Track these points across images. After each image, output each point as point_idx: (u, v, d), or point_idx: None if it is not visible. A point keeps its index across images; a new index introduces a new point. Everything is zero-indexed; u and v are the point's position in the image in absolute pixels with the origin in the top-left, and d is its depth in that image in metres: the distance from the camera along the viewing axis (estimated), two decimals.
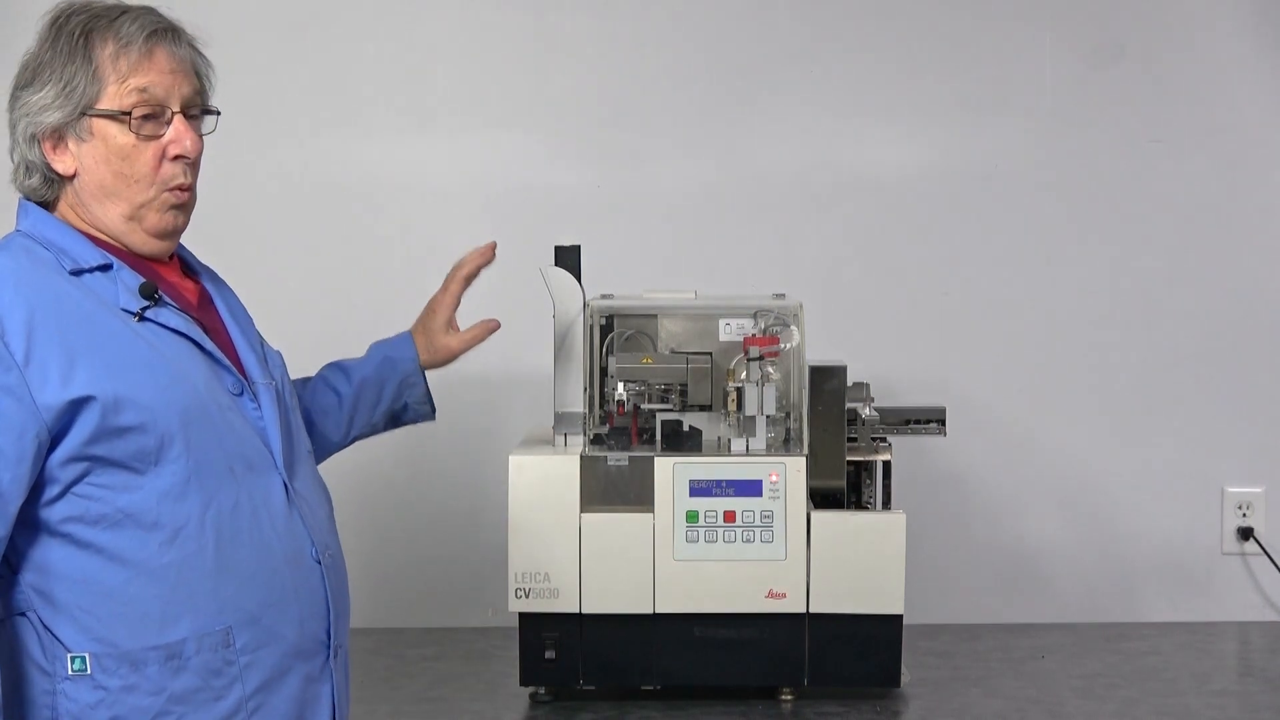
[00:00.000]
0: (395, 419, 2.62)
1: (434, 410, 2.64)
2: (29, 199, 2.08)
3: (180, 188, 2.06)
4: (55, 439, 1.93)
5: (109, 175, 2.04)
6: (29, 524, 1.96)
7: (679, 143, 3.66)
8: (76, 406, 1.92)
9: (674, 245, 3.64)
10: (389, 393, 2.58)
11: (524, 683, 2.95)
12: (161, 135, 2.04)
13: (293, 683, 2.05)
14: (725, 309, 3.06)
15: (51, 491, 1.95)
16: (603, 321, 3.10)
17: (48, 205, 2.08)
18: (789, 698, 2.95)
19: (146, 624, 1.96)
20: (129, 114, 2.02)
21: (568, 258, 2.99)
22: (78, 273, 2.02)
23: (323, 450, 2.51)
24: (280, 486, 2.07)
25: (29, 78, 2.04)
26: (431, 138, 3.66)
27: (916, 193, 3.66)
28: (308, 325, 3.52)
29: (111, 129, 2.03)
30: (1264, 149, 3.67)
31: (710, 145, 3.66)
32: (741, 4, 3.66)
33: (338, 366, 2.59)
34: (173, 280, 2.12)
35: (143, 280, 2.03)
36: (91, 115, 2.02)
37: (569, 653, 2.91)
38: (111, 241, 2.07)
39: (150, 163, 2.04)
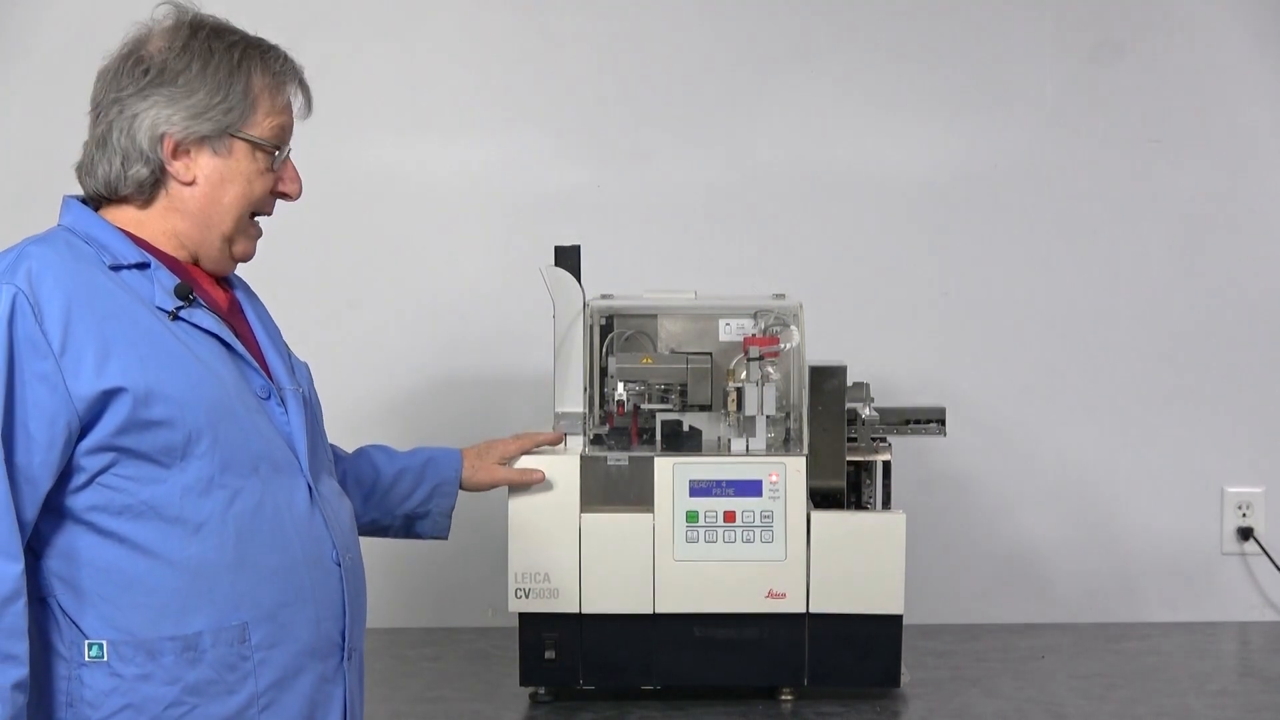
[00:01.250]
0: (410, 524, 2.71)
1: (448, 530, 2.74)
2: (117, 190, 2.09)
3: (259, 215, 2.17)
4: (85, 428, 1.96)
5: (227, 194, 2.11)
6: (54, 510, 1.99)
7: (679, 143, 3.66)
8: (108, 397, 1.95)
9: (674, 245, 3.64)
10: (421, 493, 2.69)
11: (524, 683, 2.95)
12: (276, 170, 2.14)
13: (306, 682, 2.07)
14: (725, 309, 3.06)
15: (78, 480, 1.98)
16: (603, 321, 3.10)
17: (109, 201, 2.11)
18: (789, 698, 2.95)
19: (165, 615, 1.99)
20: (277, 148, 2.12)
21: (568, 258, 2.99)
22: (116, 268, 2.05)
23: None
24: (304, 489, 2.10)
25: (166, 78, 2.06)
26: (432, 138, 3.66)
27: (916, 192, 3.66)
28: (307, 325, 3.53)
29: (246, 151, 2.10)
30: (1264, 149, 3.67)
31: (710, 145, 3.66)
32: (741, 4, 3.66)
33: (382, 449, 2.69)
34: (205, 286, 2.15)
35: (178, 281, 2.07)
36: (235, 136, 2.09)
37: (569, 653, 2.91)
38: (156, 246, 2.10)
39: (264, 192, 2.13)
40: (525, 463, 2.87)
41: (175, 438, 1.98)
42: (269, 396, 2.10)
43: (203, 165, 2.09)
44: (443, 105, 3.65)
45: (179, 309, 2.04)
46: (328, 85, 3.56)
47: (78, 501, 1.99)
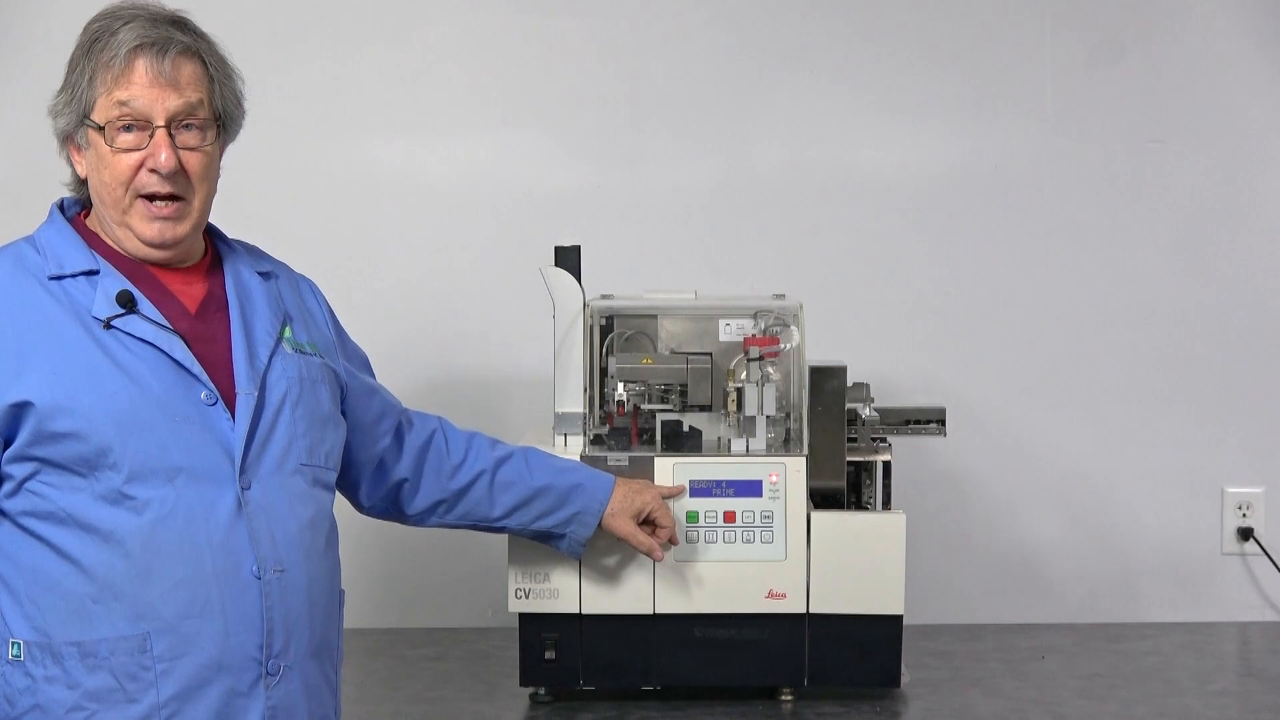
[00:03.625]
0: (545, 537, 2.73)
1: (582, 552, 2.75)
2: (73, 197, 2.20)
3: (154, 196, 2.11)
4: (8, 440, 2.02)
5: (98, 182, 2.12)
6: None
7: (679, 143, 3.66)
8: (18, 410, 2.01)
9: (674, 245, 3.64)
10: (560, 516, 2.69)
11: (524, 683, 2.95)
12: (143, 148, 2.10)
13: (213, 695, 2.05)
14: (725, 309, 3.06)
15: (8, 486, 2.05)
16: (603, 321, 3.10)
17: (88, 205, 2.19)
18: (789, 698, 2.95)
19: (73, 619, 2.03)
20: (103, 128, 2.09)
21: (568, 258, 2.99)
22: (58, 278, 2.08)
23: (440, 512, 2.61)
24: (230, 499, 2.07)
25: (62, 80, 2.14)
26: (432, 138, 3.66)
27: (916, 193, 3.66)
28: None
29: (98, 139, 2.10)
30: (1264, 149, 3.67)
31: (710, 145, 3.66)
32: (741, 4, 3.66)
33: (536, 459, 2.69)
34: (174, 287, 2.15)
35: (122, 288, 2.09)
36: (87, 125, 2.10)
37: (569, 653, 2.91)
38: (115, 246, 2.14)
39: (126, 172, 2.10)
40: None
41: (85, 449, 2.01)
42: (215, 403, 2.09)
43: (84, 160, 2.14)
44: (443, 105, 3.65)
45: (113, 318, 2.06)
46: (328, 85, 3.62)
47: (12, 505, 2.05)
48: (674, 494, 2.84)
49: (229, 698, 2.06)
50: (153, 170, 2.09)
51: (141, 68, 2.08)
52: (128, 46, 2.08)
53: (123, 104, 2.08)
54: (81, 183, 2.17)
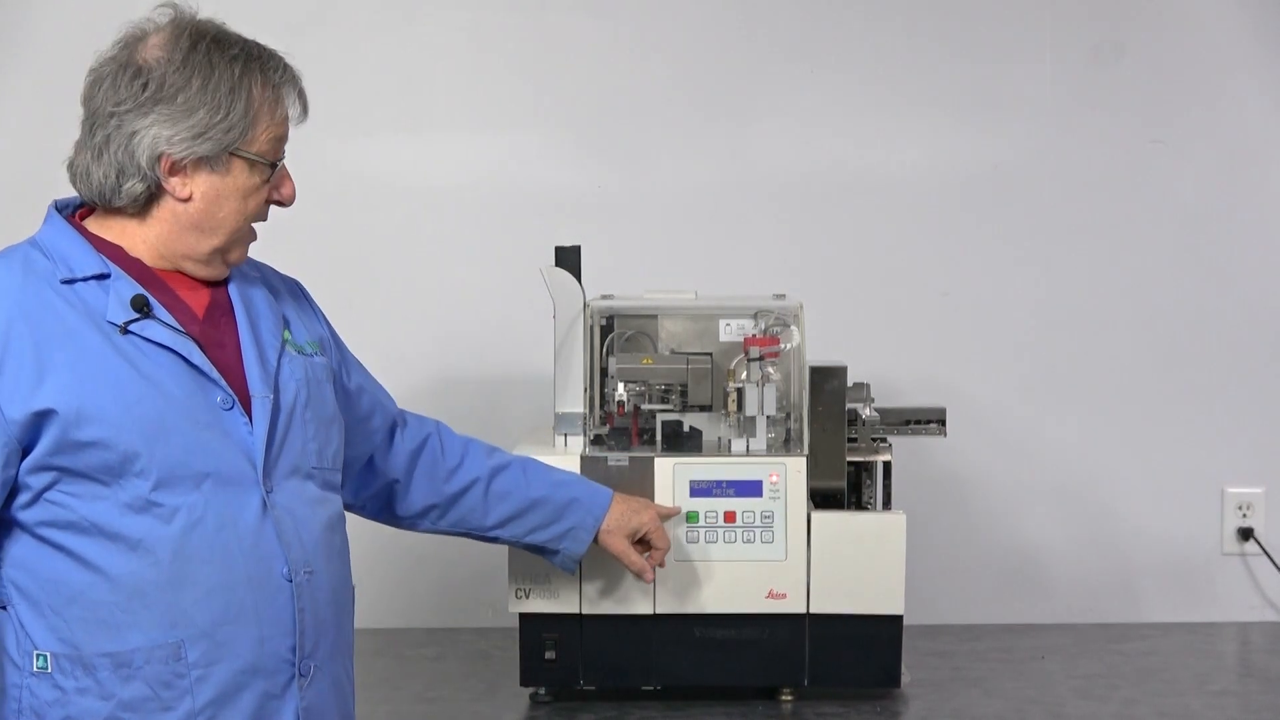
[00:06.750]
0: (538, 551, 2.72)
1: (575, 569, 2.76)
2: (66, 198, 2.14)
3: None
4: (26, 449, 1.99)
5: (224, 210, 2.10)
6: (9, 523, 2.02)
7: (679, 143, 3.66)
8: (41, 419, 1.97)
9: (674, 245, 3.64)
10: (554, 530, 2.67)
11: (524, 683, 2.95)
12: (272, 181, 2.15)
13: (248, 700, 2.05)
14: (725, 309, 3.06)
15: (25, 496, 2.01)
16: (603, 322, 3.10)
17: (111, 209, 2.11)
18: (789, 698, 2.95)
19: (104, 630, 2.00)
20: (274, 164, 2.12)
21: (568, 258, 2.99)
22: (70, 282, 2.04)
23: (433, 517, 2.60)
24: (256, 503, 2.06)
25: (165, 94, 2.04)
26: (431, 138, 3.66)
27: (916, 193, 3.66)
28: None
29: (244, 167, 2.09)
30: (1264, 149, 3.67)
31: (710, 145, 3.66)
32: (741, 4, 3.66)
33: (533, 469, 2.67)
34: (182, 293, 2.13)
35: (136, 292, 2.05)
36: (235, 154, 2.08)
37: (569, 653, 2.91)
38: (131, 254, 2.10)
39: (260, 203, 2.14)
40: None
41: (110, 457, 1.99)
42: (231, 407, 2.08)
43: (199, 182, 2.08)
44: (443, 105, 3.65)
45: (129, 323, 2.03)
46: (327, 85, 3.56)
47: (29, 516, 2.01)
48: (670, 514, 2.84)
49: (263, 701, 2.06)
50: (276, 202, 2.16)
51: (299, 108, 2.15)
52: (293, 86, 2.13)
53: (279, 140, 2.13)
54: (154, 196, 2.07)
